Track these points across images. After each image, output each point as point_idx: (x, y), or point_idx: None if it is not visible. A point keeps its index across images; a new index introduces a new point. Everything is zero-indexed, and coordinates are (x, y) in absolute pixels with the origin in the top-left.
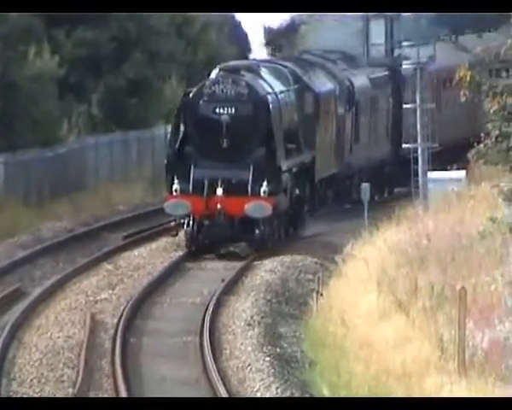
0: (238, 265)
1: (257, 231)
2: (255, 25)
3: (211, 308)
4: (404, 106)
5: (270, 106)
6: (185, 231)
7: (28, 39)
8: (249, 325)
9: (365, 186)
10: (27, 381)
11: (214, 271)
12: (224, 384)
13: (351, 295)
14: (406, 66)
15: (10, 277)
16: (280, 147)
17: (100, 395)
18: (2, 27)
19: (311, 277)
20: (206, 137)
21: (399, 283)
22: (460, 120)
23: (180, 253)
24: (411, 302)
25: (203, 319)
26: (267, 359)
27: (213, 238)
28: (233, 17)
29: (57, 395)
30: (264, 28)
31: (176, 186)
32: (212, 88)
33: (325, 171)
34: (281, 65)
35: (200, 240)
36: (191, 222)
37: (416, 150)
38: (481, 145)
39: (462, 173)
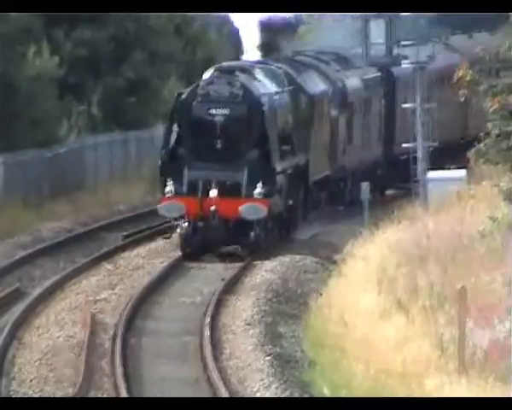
0: (238, 264)
1: (251, 234)
2: (249, 24)
3: (211, 308)
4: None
5: (265, 107)
6: (180, 234)
7: (27, 39)
8: (249, 324)
9: (365, 185)
10: (27, 381)
11: (214, 270)
12: (224, 384)
13: (351, 295)
14: (406, 65)
15: (10, 277)
16: (274, 148)
17: (100, 395)
18: (1, 27)
19: (311, 276)
20: (200, 138)
21: (399, 282)
22: (452, 120)
23: (180, 253)
24: (411, 302)
25: (203, 319)
26: (267, 358)
27: (208, 240)
28: (229, 17)
29: (57, 395)
30: (261, 28)
31: (170, 188)
32: (206, 89)
33: (319, 173)
34: (274, 66)
35: (194, 242)
36: (185, 224)
37: (415, 150)
38: (481, 144)
39: (462, 172)
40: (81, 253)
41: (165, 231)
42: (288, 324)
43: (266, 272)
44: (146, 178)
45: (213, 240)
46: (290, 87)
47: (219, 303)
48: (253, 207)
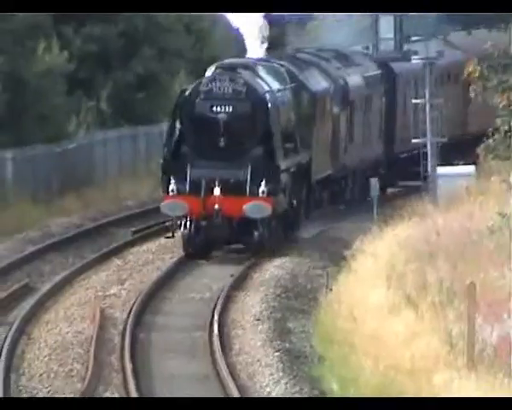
0: (247, 260)
1: (255, 233)
2: (253, 22)
3: (220, 303)
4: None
5: (269, 104)
6: (182, 233)
7: (37, 35)
8: (258, 320)
9: (374, 181)
10: (36, 376)
11: (223, 266)
12: (234, 379)
13: (360, 291)
14: (416, 60)
15: (19, 272)
16: (278, 146)
17: (109, 391)
18: (10, 23)
19: (320, 272)
20: (203, 135)
21: (409, 278)
22: (452, 117)
23: None
24: (420, 298)
25: (212, 314)
26: (276, 354)
27: (211, 240)
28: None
29: (66, 391)
30: (267, 25)
31: (172, 186)
32: (209, 86)
33: (321, 171)
34: (276, 64)
35: (197, 242)
36: (188, 223)
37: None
38: (490, 140)
39: (471, 168)
40: (90, 248)
41: (167, 229)
42: (297, 319)
43: (275, 267)
44: (155, 173)
45: (216, 239)
46: (292, 84)
47: (228, 299)
48: (257, 206)
